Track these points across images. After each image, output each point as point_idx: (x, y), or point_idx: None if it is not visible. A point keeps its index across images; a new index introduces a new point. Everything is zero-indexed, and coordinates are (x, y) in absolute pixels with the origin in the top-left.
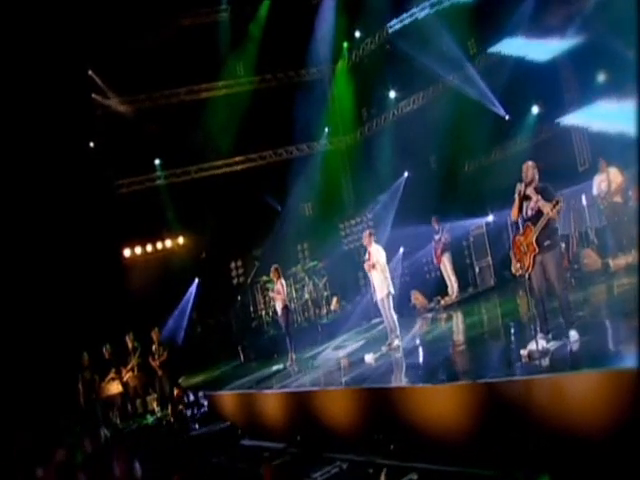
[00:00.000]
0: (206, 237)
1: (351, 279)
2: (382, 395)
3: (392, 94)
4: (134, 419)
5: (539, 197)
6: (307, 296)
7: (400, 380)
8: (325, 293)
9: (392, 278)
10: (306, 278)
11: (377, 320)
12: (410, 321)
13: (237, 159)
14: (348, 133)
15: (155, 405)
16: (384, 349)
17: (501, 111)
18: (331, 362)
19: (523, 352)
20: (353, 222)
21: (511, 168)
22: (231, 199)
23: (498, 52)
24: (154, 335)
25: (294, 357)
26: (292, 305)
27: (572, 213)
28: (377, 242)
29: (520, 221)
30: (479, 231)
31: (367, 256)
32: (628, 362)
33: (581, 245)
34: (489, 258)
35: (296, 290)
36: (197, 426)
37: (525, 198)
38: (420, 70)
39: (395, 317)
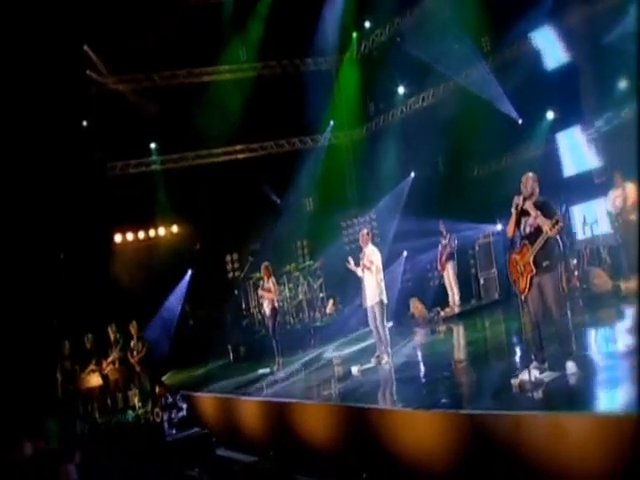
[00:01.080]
0: (201, 227)
1: (350, 282)
2: (360, 415)
3: (401, 90)
4: (114, 414)
5: (538, 213)
6: (301, 297)
7: (381, 400)
8: (321, 295)
9: (387, 287)
10: (300, 278)
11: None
12: (406, 331)
13: (237, 148)
14: (354, 128)
15: (136, 401)
16: (373, 361)
17: (514, 114)
18: (318, 370)
19: (514, 382)
20: (356, 221)
21: (522, 175)
22: (229, 189)
23: (513, 51)
24: (132, 329)
25: (281, 362)
26: (285, 306)
27: (584, 228)
28: (375, 243)
29: (517, 238)
30: (486, 240)
31: (362, 256)
32: (628, 406)
33: (592, 263)
34: (495, 270)
35: (290, 290)
36: (174, 431)
37: (523, 213)
38: (431, 66)
39: (387, 329)
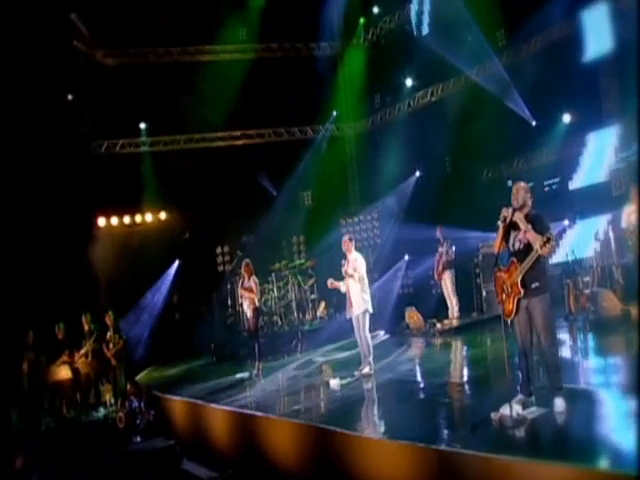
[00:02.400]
0: (191, 215)
1: None
2: (325, 437)
3: (409, 82)
4: (84, 410)
5: (529, 227)
6: (291, 297)
7: (350, 422)
8: (312, 297)
9: (385, 292)
10: (289, 277)
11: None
12: (399, 343)
13: (232, 134)
14: (358, 120)
15: (109, 397)
16: (356, 374)
17: (528, 115)
18: (297, 380)
19: (494, 416)
20: (356, 219)
21: (535, 182)
22: (223, 177)
23: (530, 47)
24: (108, 320)
25: (261, 367)
26: (273, 306)
27: (596, 244)
28: (358, 249)
29: (506, 253)
30: (490, 250)
31: (345, 264)
32: (623, 462)
33: (603, 284)
34: None
35: (278, 289)
36: (138, 438)
37: (513, 227)
38: (441, 59)
39: (370, 339)
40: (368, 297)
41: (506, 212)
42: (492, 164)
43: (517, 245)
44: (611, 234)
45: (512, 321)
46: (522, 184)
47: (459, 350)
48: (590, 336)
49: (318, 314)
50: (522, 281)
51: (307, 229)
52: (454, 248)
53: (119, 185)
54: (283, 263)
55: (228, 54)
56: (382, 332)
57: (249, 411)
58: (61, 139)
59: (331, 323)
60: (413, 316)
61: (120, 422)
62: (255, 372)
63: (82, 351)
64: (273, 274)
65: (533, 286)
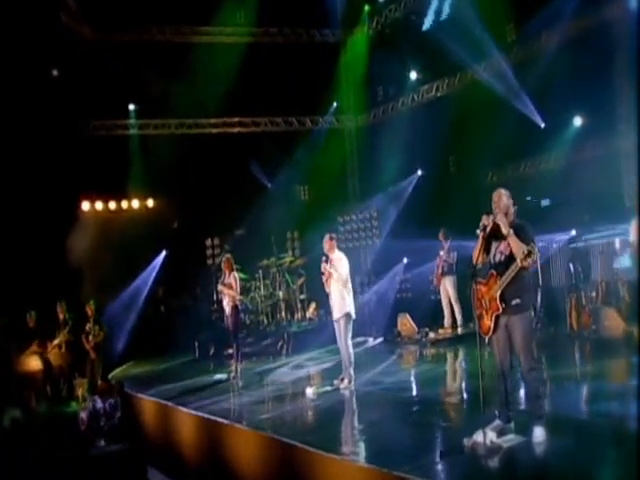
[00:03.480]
0: (181, 204)
1: None
2: (289, 451)
3: (413, 75)
4: (55, 404)
5: (512, 232)
6: (280, 296)
7: (317, 437)
8: (302, 296)
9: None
10: (277, 275)
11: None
12: (389, 351)
13: (227, 120)
14: (359, 113)
15: (81, 392)
16: (335, 383)
17: (536, 117)
18: (274, 386)
19: (467, 442)
20: (354, 217)
21: (543, 187)
22: (215, 166)
23: (540, 42)
24: (89, 310)
25: (240, 369)
26: (260, 304)
27: (601, 258)
28: (340, 249)
29: (486, 265)
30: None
31: (328, 264)
32: None
33: (608, 301)
34: None
35: (266, 286)
36: (102, 442)
37: (494, 237)
38: (448, 52)
39: (351, 348)
40: (351, 300)
41: (486, 220)
42: (497, 166)
43: (498, 257)
44: (617, 247)
45: (489, 339)
46: (502, 190)
47: (449, 364)
48: (587, 358)
49: (307, 315)
50: (501, 296)
51: (302, 225)
52: (455, 252)
53: (105, 168)
54: (272, 260)
55: (225, 36)
56: (371, 338)
57: (215, 417)
58: (45, 116)
59: (321, 325)
60: (406, 323)
61: (82, 424)
62: (233, 374)
63: (55, 342)
64: (260, 271)
65: (513, 303)
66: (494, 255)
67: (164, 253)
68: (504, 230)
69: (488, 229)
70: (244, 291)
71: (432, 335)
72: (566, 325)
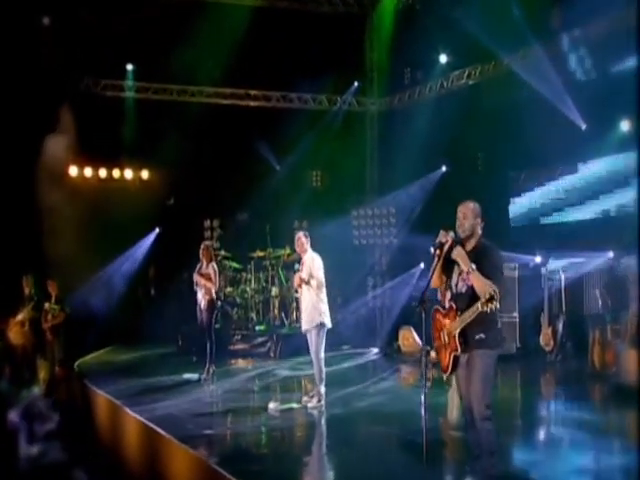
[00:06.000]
0: (179, 179)
1: (339, 285)
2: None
3: (443, 58)
4: (15, 386)
5: (474, 268)
6: (273, 292)
7: (257, 466)
8: (296, 295)
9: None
10: (270, 269)
11: (347, 348)
12: (381, 367)
13: (235, 91)
14: (382, 95)
15: (44, 375)
16: (304, 400)
17: (577, 118)
18: (241, 394)
19: None
20: (370, 212)
21: (581, 198)
22: (219, 140)
23: (589, 31)
24: (51, 288)
25: (212, 370)
26: (250, 300)
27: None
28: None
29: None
30: (510, 274)
31: (300, 267)
32: None
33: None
34: (516, 314)
35: (257, 280)
36: (34, 448)
37: (454, 260)
38: (482, 37)
39: (323, 364)
40: (325, 308)
41: (444, 236)
42: (530, 168)
43: (460, 285)
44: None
45: (448, 378)
46: (471, 205)
47: (447, 392)
48: (593, 407)
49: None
50: (461, 334)
51: (313, 214)
52: None
53: (97, 132)
54: (268, 251)
55: None
56: (375, 350)
57: (154, 426)
58: (32, 68)
59: None
60: (408, 338)
61: (11, 426)
62: (204, 376)
63: (18, 317)
64: (252, 262)
65: (477, 337)
66: (456, 283)
67: (157, 231)
68: (464, 267)
69: (446, 247)
70: (234, 282)
71: (434, 354)
72: (587, 362)
